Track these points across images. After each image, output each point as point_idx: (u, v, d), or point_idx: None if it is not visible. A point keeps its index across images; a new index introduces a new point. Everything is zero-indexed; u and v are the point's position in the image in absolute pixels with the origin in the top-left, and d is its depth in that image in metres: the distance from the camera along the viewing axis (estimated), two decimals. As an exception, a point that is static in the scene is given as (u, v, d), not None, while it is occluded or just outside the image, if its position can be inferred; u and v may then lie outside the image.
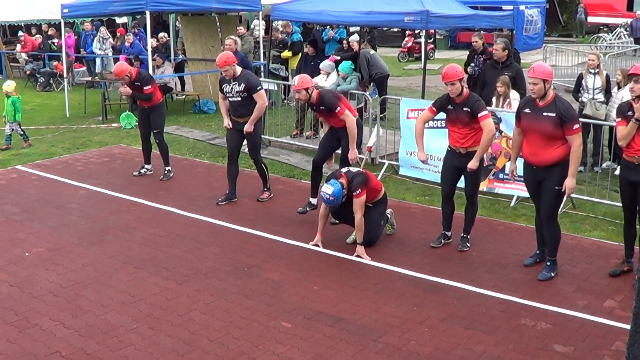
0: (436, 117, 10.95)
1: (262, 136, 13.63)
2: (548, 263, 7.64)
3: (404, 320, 6.69)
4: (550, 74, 7.30)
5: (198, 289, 7.38)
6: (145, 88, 11.07)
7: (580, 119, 11.15)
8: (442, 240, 8.56)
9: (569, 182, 7.27)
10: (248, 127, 9.85)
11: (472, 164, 8.07)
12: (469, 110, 8.02)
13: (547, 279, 7.49)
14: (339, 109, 9.10)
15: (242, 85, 9.74)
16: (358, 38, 15.70)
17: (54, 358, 6.03)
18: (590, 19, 35.88)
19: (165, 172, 11.52)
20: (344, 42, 16.16)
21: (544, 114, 7.27)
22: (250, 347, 6.19)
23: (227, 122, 10.16)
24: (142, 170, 11.70)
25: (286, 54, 17.02)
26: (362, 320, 6.69)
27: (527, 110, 7.48)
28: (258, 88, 9.81)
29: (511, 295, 7.21)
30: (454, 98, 8.10)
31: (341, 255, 8.33)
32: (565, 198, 7.58)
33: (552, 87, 7.41)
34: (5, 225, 9.36)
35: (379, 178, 10.56)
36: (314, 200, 9.57)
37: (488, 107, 10.66)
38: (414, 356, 6.06)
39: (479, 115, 8.00)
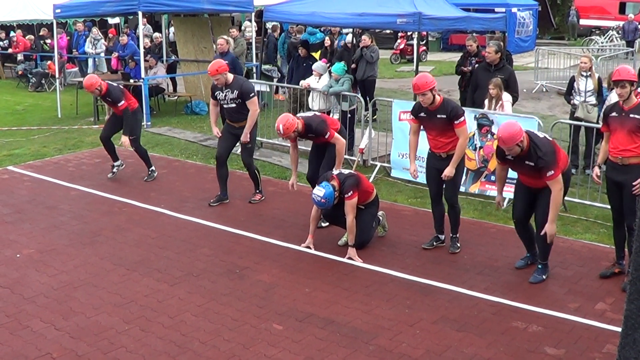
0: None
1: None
2: (539, 266, 7.65)
3: (395, 323, 6.70)
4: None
5: (189, 291, 7.37)
6: (119, 105, 10.93)
7: (572, 122, 11.25)
8: (434, 243, 8.56)
9: (549, 229, 7.20)
10: (244, 138, 9.86)
11: (448, 172, 8.11)
12: (444, 117, 8.03)
13: (538, 282, 7.50)
14: (328, 134, 8.90)
15: (236, 92, 9.73)
16: (351, 38, 15.70)
17: (44, 360, 6.02)
18: (583, 22, 36.02)
19: (150, 172, 11.53)
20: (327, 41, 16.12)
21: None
22: (242, 350, 6.19)
23: (216, 131, 10.19)
24: (115, 170, 11.65)
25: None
26: (354, 323, 6.69)
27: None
28: (251, 95, 9.78)
29: (502, 298, 7.22)
30: (427, 106, 8.09)
31: (333, 257, 8.33)
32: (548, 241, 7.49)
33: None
34: (-4, 226, 9.34)
35: (370, 180, 10.57)
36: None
37: (480, 110, 10.72)
38: (405, 358, 6.07)
39: (455, 122, 8.02)
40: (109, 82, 11.11)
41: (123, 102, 10.96)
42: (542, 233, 7.26)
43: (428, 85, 7.94)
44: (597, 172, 7.80)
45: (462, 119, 8.07)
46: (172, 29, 22.07)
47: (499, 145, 7.34)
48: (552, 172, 7.07)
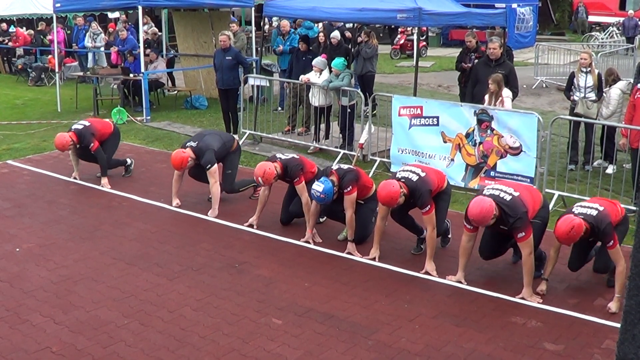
0: (427, 115, 11.03)
1: (254, 132, 13.65)
2: (536, 262, 7.62)
3: (394, 318, 6.71)
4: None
5: (189, 285, 7.38)
6: (90, 146, 10.66)
7: (572, 118, 11.24)
8: (422, 246, 8.34)
9: (525, 293, 7.13)
10: (212, 213, 9.59)
11: (429, 268, 7.76)
12: (413, 201, 7.89)
13: (536, 278, 7.47)
14: (297, 179, 8.85)
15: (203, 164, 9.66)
16: (339, 35, 15.66)
17: (44, 354, 6.02)
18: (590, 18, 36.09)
19: (127, 168, 11.43)
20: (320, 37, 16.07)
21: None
22: (241, 344, 6.20)
23: (176, 202, 9.93)
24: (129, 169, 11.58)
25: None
26: (353, 317, 6.70)
27: None
28: (207, 167, 9.54)
29: (502, 293, 7.23)
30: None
31: (332, 252, 8.34)
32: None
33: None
34: (-4, 220, 9.35)
35: (370, 175, 10.57)
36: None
37: (480, 105, 10.72)
38: (404, 353, 6.08)
39: (422, 211, 7.78)
40: (74, 128, 10.74)
41: (92, 143, 10.66)
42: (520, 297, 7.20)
43: (395, 201, 7.73)
44: (543, 288, 7.30)
45: (427, 207, 7.73)
46: (146, 27, 21.85)
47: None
48: (523, 233, 7.02)
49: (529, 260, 7.07)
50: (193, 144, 9.73)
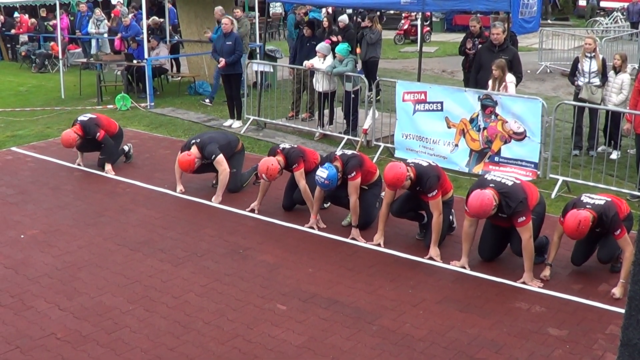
0: (431, 100, 11.01)
1: (258, 118, 13.63)
2: (538, 249, 7.60)
3: (398, 303, 6.71)
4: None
5: (193, 271, 7.39)
6: (96, 136, 10.62)
7: (576, 103, 11.21)
8: (425, 230, 8.25)
9: (526, 278, 7.14)
10: (216, 199, 9.58)
11: (433, 253, 7.74)
12: (420, 189, 7.84)
13: (539, 263, 7.47)
14: (295, 166, 8.86)
15: (205, 159, 9.61)
16: (347, 19, 15.61)
17: (49, 340, 6.04)
18: (583, 3, 35.92)
19: (126, 155, 11.39)
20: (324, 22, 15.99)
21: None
22: (245, 329, 6.21)
23: (179, 188, 9.91)
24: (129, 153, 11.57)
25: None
26: (357, 303, 6.71)
27: None
28: (212, 158, 9.53)
29: (506, 279, 7.23)
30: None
31: (336, 237, 8.34)
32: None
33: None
34: (1, 207, 9.34)
35: (374, 160, 10.56)
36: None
37: (483, 91, 10.69)
38: (408, 338, 6.09)
39: (428, 195, 7.72)
40: (80, 119, 10.70)
41: (99, 132, 10.62)
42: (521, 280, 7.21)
43: (401, 182, 7.70)
44: (547, 274, 7.30)
45: (434, 192, 7.70)
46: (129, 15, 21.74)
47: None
48: (523, 218, 7.05)
49: (529, 244, 7.08)
50: (197, 140, 9.74)
